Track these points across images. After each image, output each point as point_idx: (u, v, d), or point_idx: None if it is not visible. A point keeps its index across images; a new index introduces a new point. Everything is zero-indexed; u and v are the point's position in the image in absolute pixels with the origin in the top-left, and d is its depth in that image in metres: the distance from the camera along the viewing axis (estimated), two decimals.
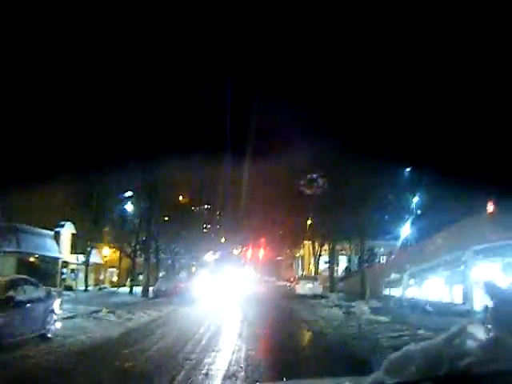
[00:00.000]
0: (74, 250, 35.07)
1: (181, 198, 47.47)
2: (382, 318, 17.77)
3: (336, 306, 23.08)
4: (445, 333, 1.77)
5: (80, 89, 24.24)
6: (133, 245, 32.51)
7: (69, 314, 18.38)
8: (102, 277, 43.00)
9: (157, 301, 26.28)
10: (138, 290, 32.39)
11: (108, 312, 19.18)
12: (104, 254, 43.02)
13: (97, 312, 19.43)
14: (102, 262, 43.07)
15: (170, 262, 40.49)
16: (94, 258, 41.68)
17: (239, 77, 27.93)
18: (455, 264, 24.13)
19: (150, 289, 31.04)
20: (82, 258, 35.07)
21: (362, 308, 21.43)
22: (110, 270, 44.68)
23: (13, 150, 23.18)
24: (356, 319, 17.85)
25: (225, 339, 12.12)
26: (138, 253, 33.41)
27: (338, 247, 38.43)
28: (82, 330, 13.75)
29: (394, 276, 28.70)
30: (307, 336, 13.58)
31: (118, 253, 37.78)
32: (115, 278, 42.74)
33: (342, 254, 42.65)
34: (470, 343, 1.73)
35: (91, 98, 25.30)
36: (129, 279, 36.63)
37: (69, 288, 29.00)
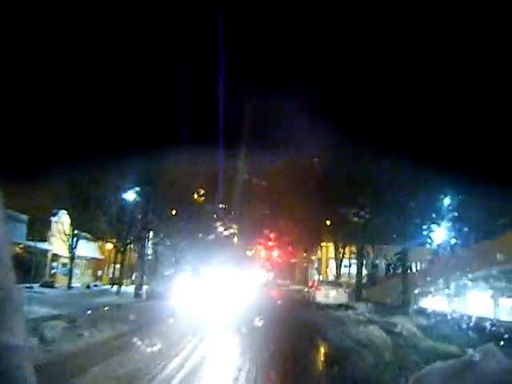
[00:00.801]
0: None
1: (195, 196, 42.87)
2: (450, 348, 11.35)
3: (370, 321, 16.67)
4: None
5: (79, 77, 19.13)
6: (124, 238, 26.13)
7: None
8: (100, 273, 36.96)
9: (144, 305, 20.20)
10: (130, 289, 26.42)
11: (67, 321, 13.14)
12: (106, 248, 37.27)
13: (52, 319, 13.39)
14: (103, 257, 37.26)
15: (173, 259, 34.34)
16: (93, 252, 36.11)
17: (249, 65, 22.14)
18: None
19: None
20: (80, 251, 29.15)
21: (408, 327, 15.10)
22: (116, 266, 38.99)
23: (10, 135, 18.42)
24: (411, 348, 11.53)
25: None
26: (131, 247, 27.34)
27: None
28: None
29: (430, 287, 23.06)
30: None
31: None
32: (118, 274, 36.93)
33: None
34: (495, 365, 1.56)
35: (91, 86, 20.13)
36: (133, 277, 30.99)
37: (48, 284, 23.01)
